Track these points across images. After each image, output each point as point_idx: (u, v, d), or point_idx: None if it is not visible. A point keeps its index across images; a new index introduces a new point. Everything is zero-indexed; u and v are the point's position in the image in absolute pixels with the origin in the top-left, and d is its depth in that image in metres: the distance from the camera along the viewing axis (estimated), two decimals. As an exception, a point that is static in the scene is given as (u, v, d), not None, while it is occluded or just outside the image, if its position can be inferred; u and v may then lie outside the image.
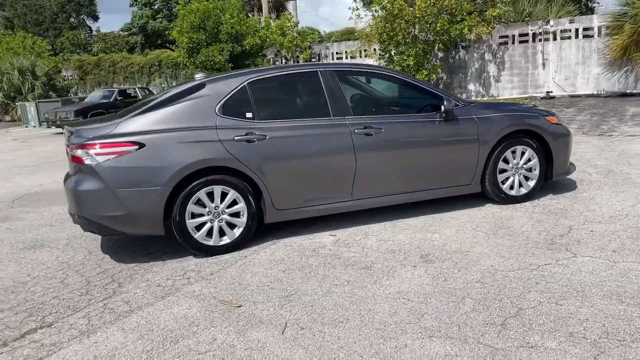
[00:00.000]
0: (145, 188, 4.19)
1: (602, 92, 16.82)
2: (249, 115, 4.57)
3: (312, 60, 21.96)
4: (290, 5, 31.82)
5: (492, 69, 18.52)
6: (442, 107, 4.96)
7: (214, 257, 4.43)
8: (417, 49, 16.83)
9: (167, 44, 44.96)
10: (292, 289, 3.69)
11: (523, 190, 5.42)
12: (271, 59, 22.24)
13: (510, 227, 4.73)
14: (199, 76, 5.05)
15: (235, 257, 4.42)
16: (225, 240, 4.50)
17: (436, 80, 18.75)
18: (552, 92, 17.59)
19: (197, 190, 4.33)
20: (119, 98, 20.29)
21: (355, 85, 5.48)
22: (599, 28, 16.71)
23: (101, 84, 28.52)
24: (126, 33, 46.36)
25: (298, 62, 21.89)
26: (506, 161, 5.30)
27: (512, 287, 3.51)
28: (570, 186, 5.95)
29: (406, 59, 16.85)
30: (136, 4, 46.81)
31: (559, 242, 4.26)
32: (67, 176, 4.82)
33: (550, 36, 17.44)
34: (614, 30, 15.80)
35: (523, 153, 5.34)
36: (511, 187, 5.37)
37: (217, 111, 4.48)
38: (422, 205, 5.34)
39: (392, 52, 17.50)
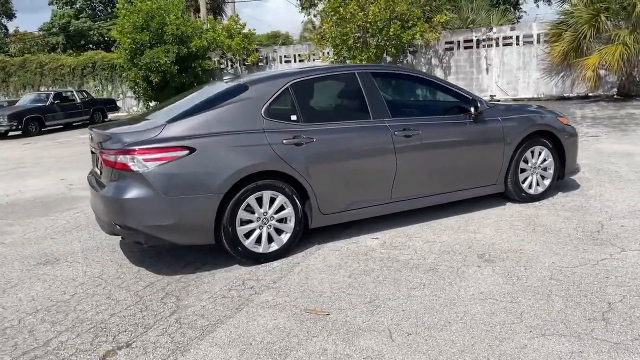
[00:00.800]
0: (198, 195, 3.96)
1: (542, 96, 17.81)
2: (293, 117, 4.44)
3: (260, 64, 21.71)
4: (228, 8, 31.32)
5: (438, 73, 19.11)
6: (475, 109, 5.04)
7: (263, 264, 4.26)
8: (370, 54, 17.10)
9: (91, 45, 42.86)
10: (371, 294, 3.61)
11: (540, 189, 5.62)
12: (216, 62, 21.76)
13: (544, 224, 4.87)
14: (227, 77, 4.88)
15: (287, 264, 4.27)
16: (274, 246, 4.34)
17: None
18: (495, 95, 18.42)
19: (248, 196, 4.15)
20: (56, 101, 19.21)
21: (390, 87, 5.47)
22: (538, 35, 17.70)
23: (26, 87, 26.78)
24: (46, 33, 43.71)
25: (245, 65, 21.58)
26: (525, 161, 5.47)
27: (587, 282, 3.61)
28: (574, 185, 6.22)
29: (359, 63, 17.05)
30: (56, 3, 44.29)
31: (601, 238, 4.45)
32: (95, 182, 4.48)
33: (493, 42, 18.28)
34: (552, 37, 16.78)
35: (540, 153, 5.53)
36: (529, 186, 5.55)
37: (262, 114, 4.31)
38: (448, 206, 5.39)
39: (345, 56, 17.66)
